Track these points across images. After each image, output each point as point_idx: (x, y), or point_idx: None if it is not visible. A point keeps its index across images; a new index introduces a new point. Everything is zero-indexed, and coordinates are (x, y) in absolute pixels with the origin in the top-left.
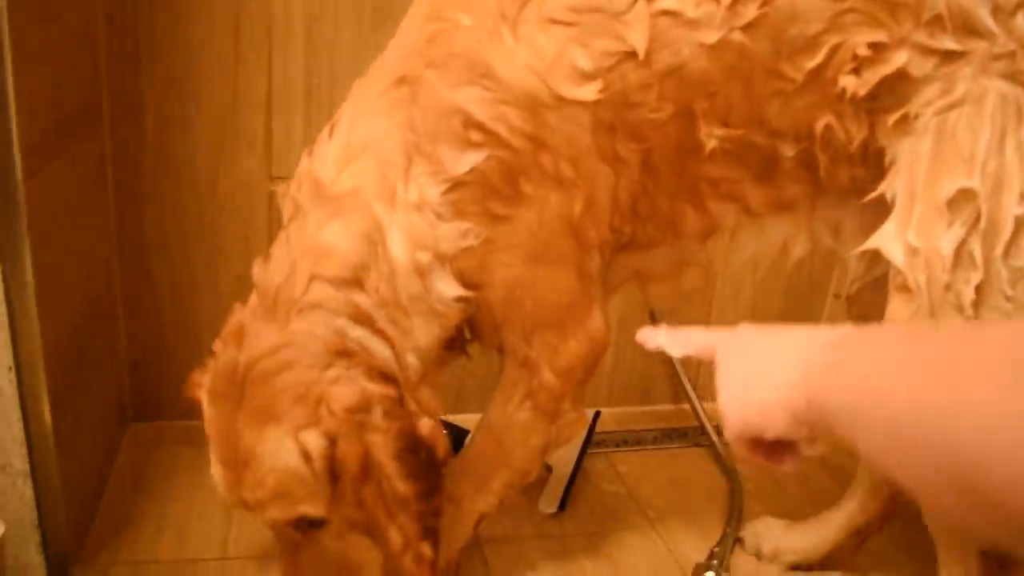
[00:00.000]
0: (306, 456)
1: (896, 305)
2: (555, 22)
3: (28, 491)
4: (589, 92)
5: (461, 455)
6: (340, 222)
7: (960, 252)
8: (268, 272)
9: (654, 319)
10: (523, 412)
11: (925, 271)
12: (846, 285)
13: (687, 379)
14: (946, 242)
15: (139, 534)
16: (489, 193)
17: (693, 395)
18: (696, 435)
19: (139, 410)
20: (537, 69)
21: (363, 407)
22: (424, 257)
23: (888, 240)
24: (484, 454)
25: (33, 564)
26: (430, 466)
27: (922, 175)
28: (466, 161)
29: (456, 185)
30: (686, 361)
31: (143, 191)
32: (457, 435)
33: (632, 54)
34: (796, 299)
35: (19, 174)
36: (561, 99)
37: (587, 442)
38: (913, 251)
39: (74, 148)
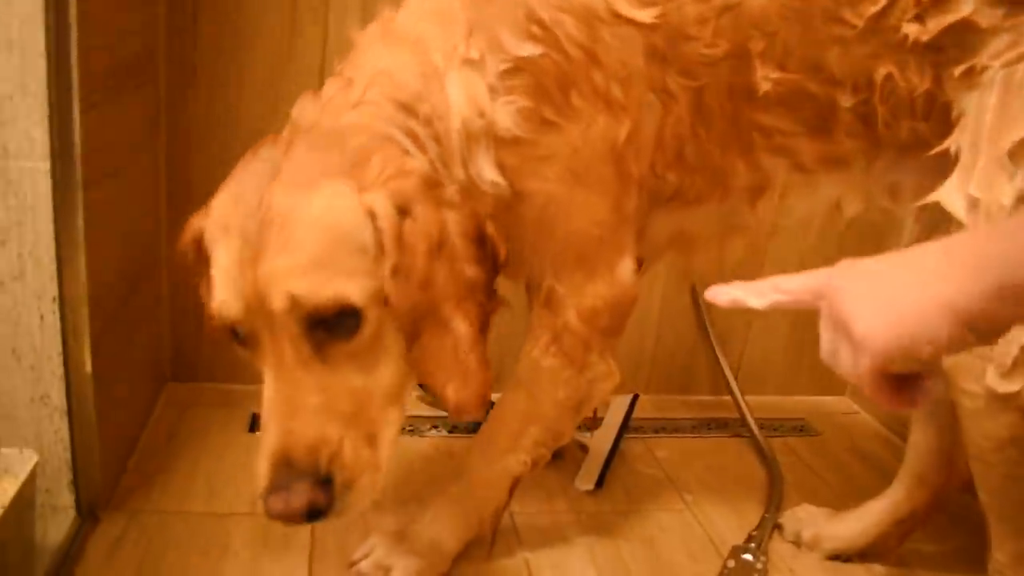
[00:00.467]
0: (371, 215)
1: None
2: None
3: (64, 428)
4: (646, 16)
5: (492, 413)
6: (401, 57)
7: (1021, 202)
8: (315, 99)
9: (695, 296)
10: (549, 358)
11: (985, 222)
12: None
13: (729, 371)
14: (1007, 193)
15: (170, 486)
16: (542, 94)
17: (735, 386)
18: (736, 426)
19: (177, 370)
20: None
21: (436, 182)
22: (478, 123)
23: (950, 193)
24: (514, 407)
25: (64, 504)
26: (494, 264)
27: (987, 128)
28: (525, 48)
29: (514, 69)
30: (729, 353)
31: (193, 146)
32: None
33: None
34: None
35: (76, 106)
36: (618, 16)
37: (625, 424)
38: (974, 203)
39: (129, 92)
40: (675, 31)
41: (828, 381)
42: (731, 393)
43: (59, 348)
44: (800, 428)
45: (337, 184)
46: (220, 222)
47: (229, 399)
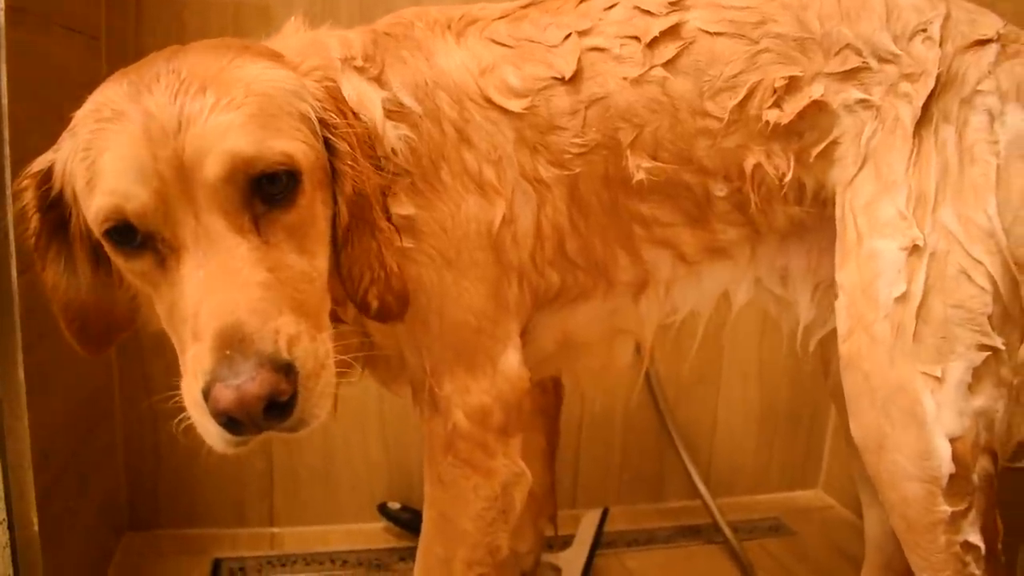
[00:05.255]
0: (309, 92)
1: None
2: (495, 42)
3: None
4: (515, 105)
5: (419, 543)
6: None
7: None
8: None
9: (656, 401)
10: (449, 470)
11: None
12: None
13: (698, 476)
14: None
15: None
16: (416, 157)
17: (705, 491)
18: (710, 532)
19: (135, 518)
20: (472, 70)
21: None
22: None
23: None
24: (434, 531)
25: None
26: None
27: (860, 204)
28: (408, 100)
29: (397, 112)
30: (697, 455)
31: None
32: None
33: (560, 79)
34: (802, 392)
35: (13, 270)
36: (489, 100)
37: (596, 541)
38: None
39: None
40: (544, 122)
41: (800, 475)
42: (701, 498)
43: (3, 514)
44: (775, 528)
45: (262, 61)
46: (106, 112)
47: (190, 546)
